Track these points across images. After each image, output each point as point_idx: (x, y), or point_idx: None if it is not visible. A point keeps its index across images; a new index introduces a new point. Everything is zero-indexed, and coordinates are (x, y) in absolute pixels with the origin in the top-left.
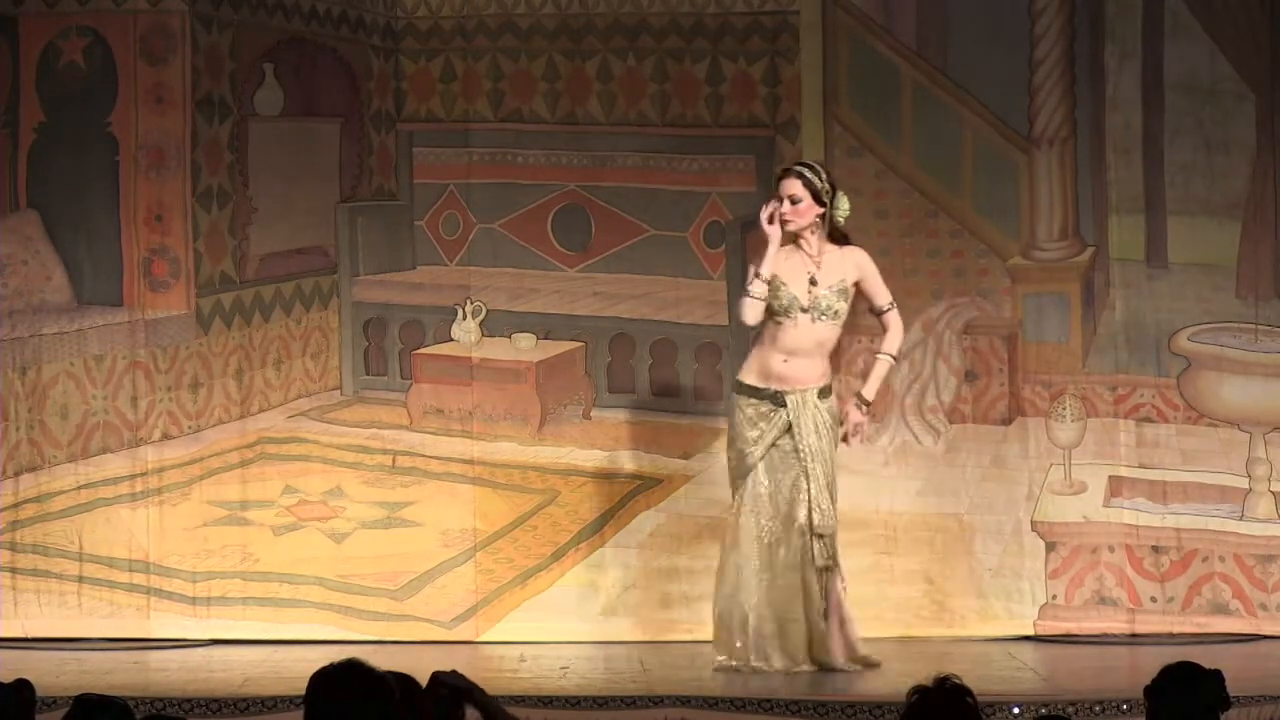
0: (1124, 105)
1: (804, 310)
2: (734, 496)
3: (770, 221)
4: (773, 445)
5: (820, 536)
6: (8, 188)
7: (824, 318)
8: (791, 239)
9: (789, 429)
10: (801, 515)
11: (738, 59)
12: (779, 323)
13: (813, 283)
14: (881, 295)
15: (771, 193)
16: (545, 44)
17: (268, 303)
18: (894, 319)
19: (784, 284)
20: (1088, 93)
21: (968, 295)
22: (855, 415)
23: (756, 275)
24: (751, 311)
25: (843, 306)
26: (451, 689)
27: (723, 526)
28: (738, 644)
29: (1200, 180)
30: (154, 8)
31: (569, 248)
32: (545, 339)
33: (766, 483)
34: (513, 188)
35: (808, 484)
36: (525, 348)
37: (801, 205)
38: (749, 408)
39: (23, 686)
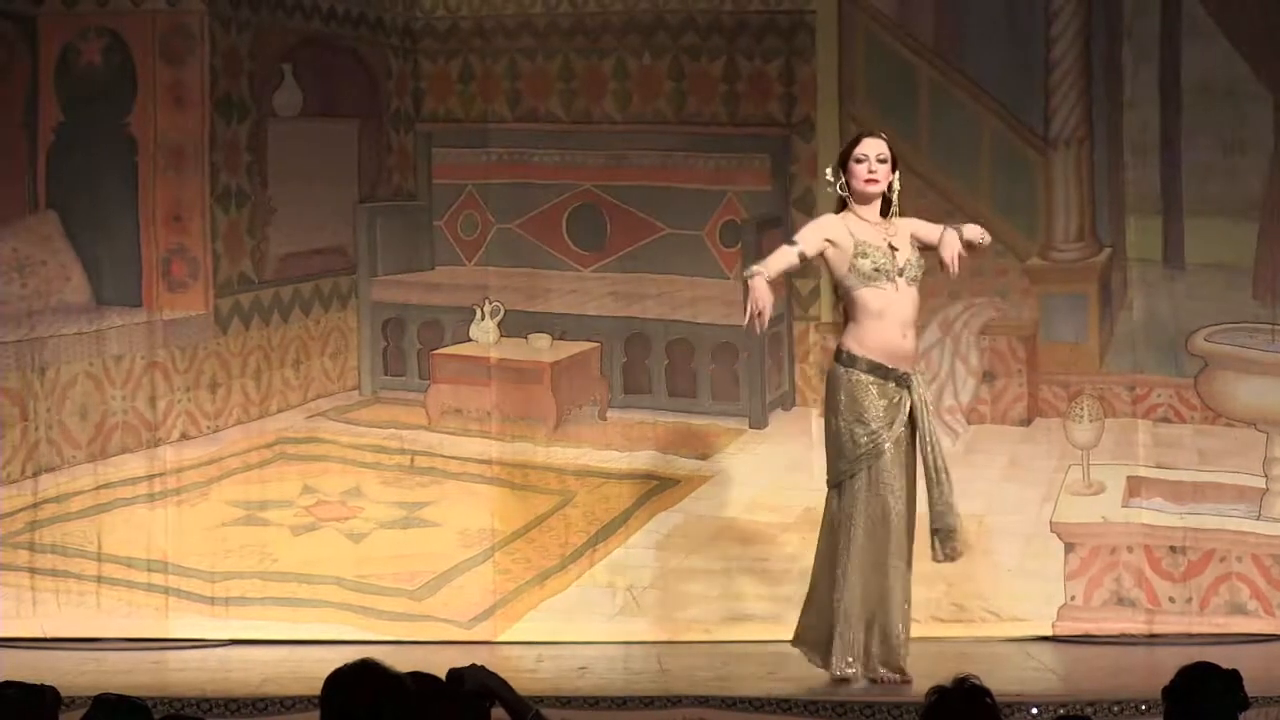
0: (1141, 106)
1: (900, 273)
2: (850, 483)
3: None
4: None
5: (951, 532)
6: (27, 188)
7: (913, 282)
8: (842, 207)
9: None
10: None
11: (754, 57)
12: (879, 288)
13: (892, 248)
14: (935, 226)
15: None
16: (561, 43)
17: (286, 303)
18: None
19: (873, 248)
20: (1105, 93)
21: (985, 295)
22: (954, 242)
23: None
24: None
25: (921, 270)
26: (477, 686)
27: (828, 517)
28: (873, 651)
29: (1217, 181)
30: (172, 8)
31: (584, 247)
32: (561, 339)
33: (895, 469)
34: (529, 187)
35: (938, 476)
36: (541, 348)
37: (886, 166)
38: (874, 386)
39: (47, 692)
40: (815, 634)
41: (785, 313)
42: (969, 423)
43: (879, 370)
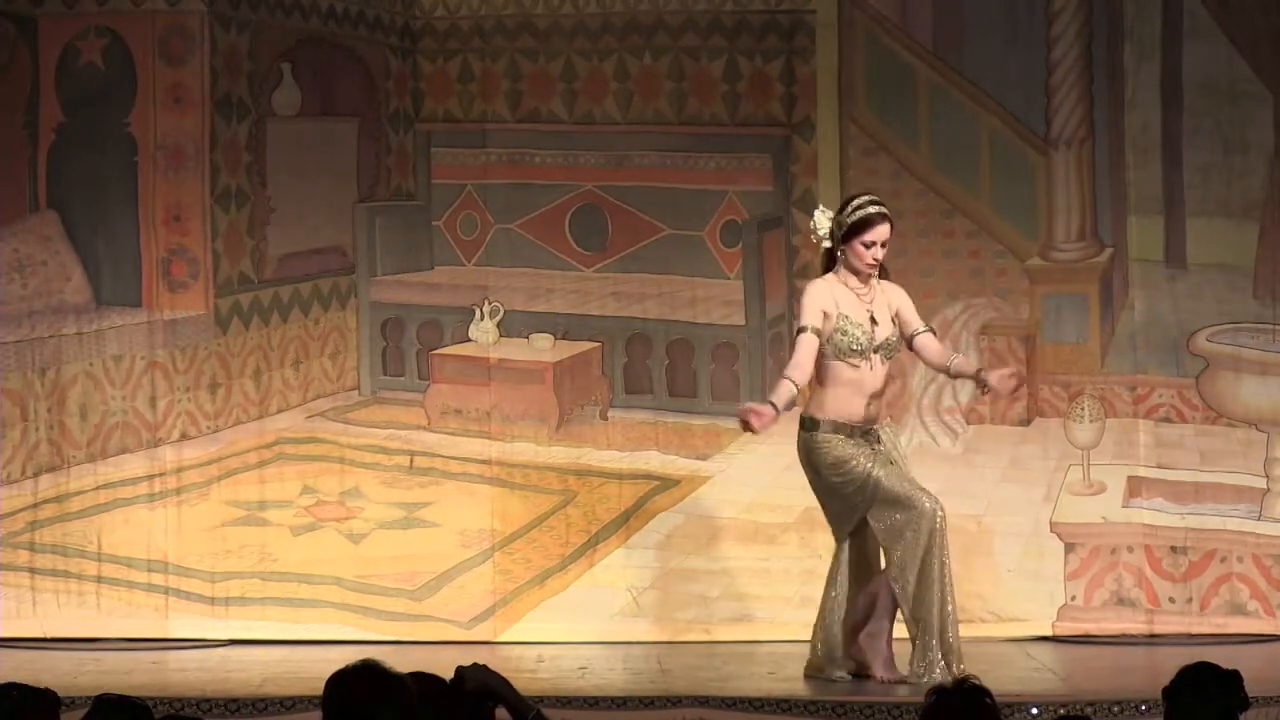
0: (1142, 106)
1: (876, 350)
2: (869, 521)
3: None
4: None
5: None
6: (28, 188)
7: (888, 359)
8: (828, 264)
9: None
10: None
11: (754, 57)
12: (854, 365)
13: (873, 322)
14: (918, 320)
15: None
16: (562, 43)
17: (286, 303)
18: (932, 337)
19: (854, 324)
20: (1106, 93)
21: (985, 296)
22: (1002, 381)
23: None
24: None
25: (899, 343)
26: (479, 686)
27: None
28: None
29: (1219, 181)
30: (172, 8)
31: (586, 248)
32: (562, 339)
33: (897, 481)
34: (530, 188)
35: None
36: (542, 348)
37: (886, 249)
38: (841, 440)
39: (48, 694)
40: (824, 660)
41: (786, 311)
42: (969, 423)
43: (842, 429)
